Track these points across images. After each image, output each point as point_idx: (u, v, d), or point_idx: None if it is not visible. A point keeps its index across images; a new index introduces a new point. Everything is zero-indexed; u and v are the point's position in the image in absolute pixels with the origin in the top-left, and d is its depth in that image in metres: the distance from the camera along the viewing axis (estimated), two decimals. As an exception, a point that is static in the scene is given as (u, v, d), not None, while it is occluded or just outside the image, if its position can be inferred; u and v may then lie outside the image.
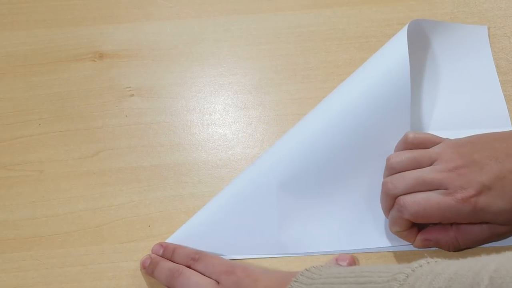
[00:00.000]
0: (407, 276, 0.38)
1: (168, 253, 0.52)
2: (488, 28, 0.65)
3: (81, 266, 0.53)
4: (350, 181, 0.55)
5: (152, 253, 0.52)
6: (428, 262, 0.39)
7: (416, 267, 0.39)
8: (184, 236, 0.53)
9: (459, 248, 0.51)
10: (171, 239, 0.53)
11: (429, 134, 0.54)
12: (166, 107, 0.61)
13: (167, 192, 0.56)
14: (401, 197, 0.49)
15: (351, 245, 0.53)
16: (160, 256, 0.52)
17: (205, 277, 0.49)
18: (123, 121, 0.60)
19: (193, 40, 0.66)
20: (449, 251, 0.51)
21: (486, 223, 0.49)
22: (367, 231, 0.53)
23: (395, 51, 0.57)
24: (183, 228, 0.54)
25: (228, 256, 0.53)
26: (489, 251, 0.42)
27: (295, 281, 0.44)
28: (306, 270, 0.45)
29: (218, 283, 0.48)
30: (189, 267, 0.50)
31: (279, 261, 0.52)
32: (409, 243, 0.52)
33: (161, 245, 0.53)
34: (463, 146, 0.50)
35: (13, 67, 0.64)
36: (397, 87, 0.55)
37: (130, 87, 0.62)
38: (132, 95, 0.62)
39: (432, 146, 0.52)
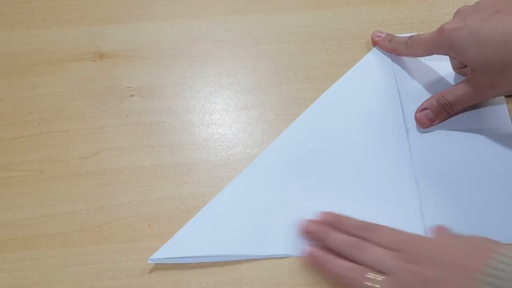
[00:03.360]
0: None
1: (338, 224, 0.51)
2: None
3: (81, 266, 0.53)
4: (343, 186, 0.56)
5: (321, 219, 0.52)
6: None
7: None
8: (179, 243, 0.53)
9: (450, 107, 0.56)
10: (167, 246, 0.52)
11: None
12: (166, 107, 0.61)
13: (167, 192, 0.56)
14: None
15: None
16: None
17: (381, 248, 0.48)
18: (123, 121, 0.60)
19: (193, 40, 0.66)
20: (444, 116, 0.57)
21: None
22: None
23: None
24: (176, 236, 0.53)
25: (226, 258, 0.52)
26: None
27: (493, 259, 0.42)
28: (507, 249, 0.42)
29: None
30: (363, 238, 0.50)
31: (280, 260, 0.53)
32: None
33: (329, 214, 0.52)
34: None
35: (13, 67, 0.64)
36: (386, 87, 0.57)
37: (130, 87, 0.62)
38: (132, 95, 0.62)
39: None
